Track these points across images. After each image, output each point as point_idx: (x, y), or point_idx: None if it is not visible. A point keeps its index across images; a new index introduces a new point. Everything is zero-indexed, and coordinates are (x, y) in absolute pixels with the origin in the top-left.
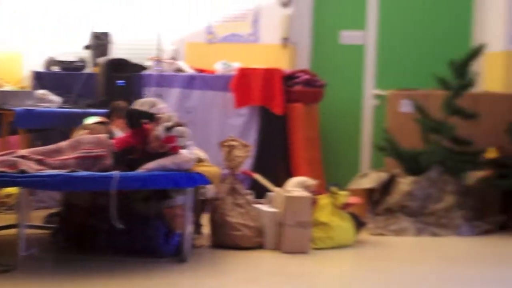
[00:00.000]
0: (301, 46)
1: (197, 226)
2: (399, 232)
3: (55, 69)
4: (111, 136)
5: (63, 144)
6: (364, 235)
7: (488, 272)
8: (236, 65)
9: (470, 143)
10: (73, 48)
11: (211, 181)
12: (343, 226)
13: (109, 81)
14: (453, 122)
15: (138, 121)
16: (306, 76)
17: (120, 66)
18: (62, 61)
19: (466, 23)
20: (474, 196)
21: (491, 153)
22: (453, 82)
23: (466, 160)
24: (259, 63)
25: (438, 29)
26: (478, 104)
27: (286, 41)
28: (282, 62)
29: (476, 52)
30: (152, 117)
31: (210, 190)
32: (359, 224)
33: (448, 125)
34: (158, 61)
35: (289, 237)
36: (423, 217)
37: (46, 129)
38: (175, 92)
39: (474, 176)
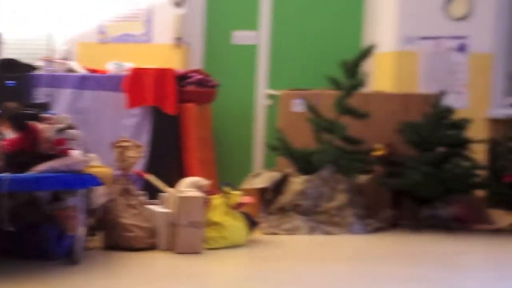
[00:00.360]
0: (194, 46)
1: (90, 228)
2: (292, 231)
3: None
4: (1, 138)
5: None
6: (257, 234)
7: (380, 269)
8: (129, 65)
9: (362, 142)
10: None
11: (103, 182)
12: (236, 225)
13: None
14: (345, 122)
15: (23, 122)
16: (199, 76)
17: (10, 66)
18: None
19: (357, 24)
20: (365, 195)
21: (379, 151)
22: (345, 82)
23: (357, 159)
24: (152, 63)
25: (330, 30)
26: (369, 103)
27: (178, 41)
28: (175, 62)
29: (366, 53)
30: (36, 118)
31: (101, 196)
32: (252, 223)
33: (340, 125)
34: (49, 61)
35: (182, 238)
36: (316, 216)
37: None
38: (66, 93)
39: (366, 174)
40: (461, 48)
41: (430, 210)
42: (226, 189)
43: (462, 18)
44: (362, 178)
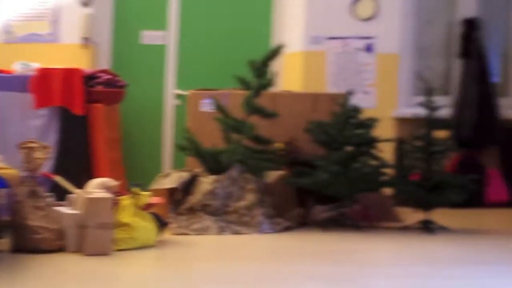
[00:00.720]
0: (101, 46)
1: None
2: (202, 231)
3: None
4: None
5: None
6: (166, 235)
7: (290, 268)
8: (35, 65)
9: (270, 142)
10: None
11: (9, 184)
12: (145, 226)
13: None
14: (253, 121)
15: None
16: (107, 76)
17: None
18: None
19: (265, 24)
20: (274, 194)
21: (278, 148)
22: (253, 82)
23: (266, 158)
24: (59, 63)
25: (239, 30)
26: (278, 103)
27: (86, 41)
28: (83, 62)
29: (275, 53)
30: None
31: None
32: (162, 224)
33: (248, 124)
34: None
35: (91, 239)
36: (225, 216)
37: None
38: None
39: (274, 174)
40: (368, 48)
41: (339, 208)
42: (135, 189)
43: (369, 19)
44: (271, 177)
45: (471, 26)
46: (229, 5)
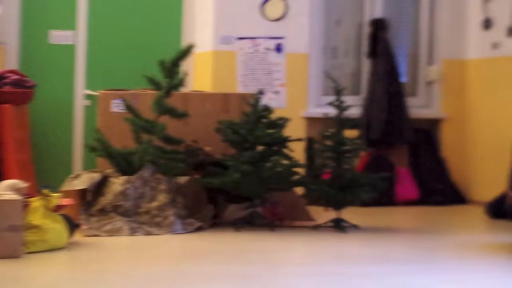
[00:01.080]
0: (9, 46)
1: None
2: (113, 232)
3: None
4: None
5: None
6: (78, 237)
7: (203, 268)
8: None
9: (181, 142)
10: None
11: None
12: (56, 228)
13: None
14: (164, 122)
15: None
16: (15, 77)
17: None
18: None
19: (176, 23)
20: (186, 194)
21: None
22: (164, 82)
23: (177, 158)
24: None
25: (149, 30)
26: (189, 103)
27: None
28: None
29: (185, 52)
30: None
31: None
32: (73, 226)
33: (159, 125)
34: None
35: (1, 242)
36: (137, 217)
37: None
38: None
39: (186, 174)
40: (278, 49)
41: (250, 208)
42: (45, 191)
43: (279, 19)
44: (183, 178)
45: (379, 26)
46: (139, 4)
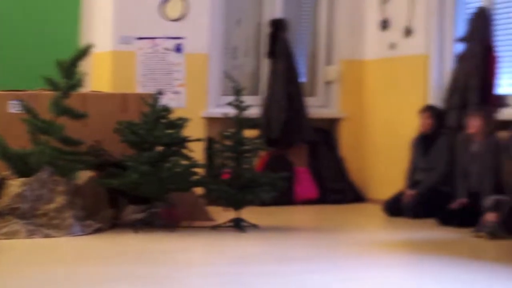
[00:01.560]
0: None
1: None
2: (10, 235)
3: None
4: None
5: None
6: None
7: (102, 270)
8: None
9: (80, 143)
10: None
11: None
12: None
13: None
14: (63, 123)
15: None
16: None
17: None
18: None
19: (74, 23)
20: (85, 195)
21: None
22: (61, 82)
23: (76, 159)
24: None
25: (46, 30)
26: (87, 104)
27: None
28: None
29: (83, 52)
30: None
31: None
32: None
33: (57, 126)
34: None
35: None
36: (35, 219)
37: None
38: None
39: (85, 175)
40: (178, 49)
41: (149, 209)
42: None
43: (178, 19)
44: (81, 179)
45: (278, 27)
46: (35, 2)
